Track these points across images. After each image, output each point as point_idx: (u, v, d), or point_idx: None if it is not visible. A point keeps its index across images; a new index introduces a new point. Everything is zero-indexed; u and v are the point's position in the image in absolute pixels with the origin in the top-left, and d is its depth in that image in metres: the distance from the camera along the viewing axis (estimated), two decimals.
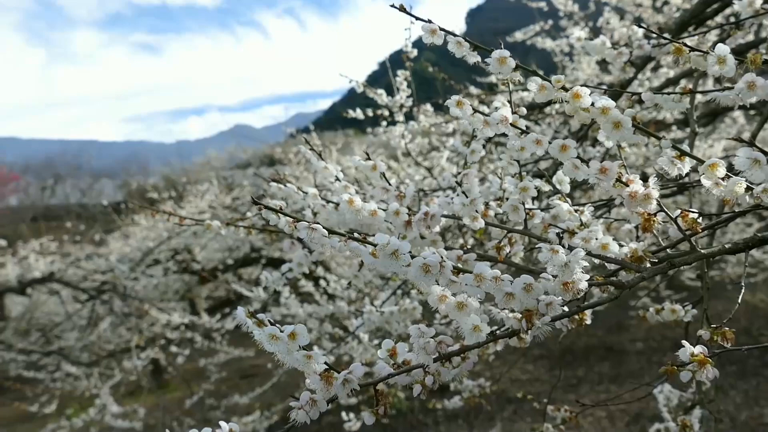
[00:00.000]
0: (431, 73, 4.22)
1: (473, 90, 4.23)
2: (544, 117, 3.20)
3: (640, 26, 0.99)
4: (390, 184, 1.28)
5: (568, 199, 1.26)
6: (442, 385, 1.00)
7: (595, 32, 4.48)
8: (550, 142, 1.02)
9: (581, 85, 1.03)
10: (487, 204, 1.38)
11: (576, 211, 1.23)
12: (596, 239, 1.05)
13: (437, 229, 1.24)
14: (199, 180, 14.68)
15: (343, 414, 4.35)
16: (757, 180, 0.82)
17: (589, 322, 1.18)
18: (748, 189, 0.90)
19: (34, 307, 8.73)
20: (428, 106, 3.50)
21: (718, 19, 2.30)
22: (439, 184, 2.25)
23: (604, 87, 2.46)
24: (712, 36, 2.47)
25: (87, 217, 18.94)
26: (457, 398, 2.76)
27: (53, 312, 8.75)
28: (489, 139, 2.27)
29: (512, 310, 0.96)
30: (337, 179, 1.44)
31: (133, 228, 10.33)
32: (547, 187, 1.29)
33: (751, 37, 2.70)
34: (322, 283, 4.89)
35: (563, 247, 0.89)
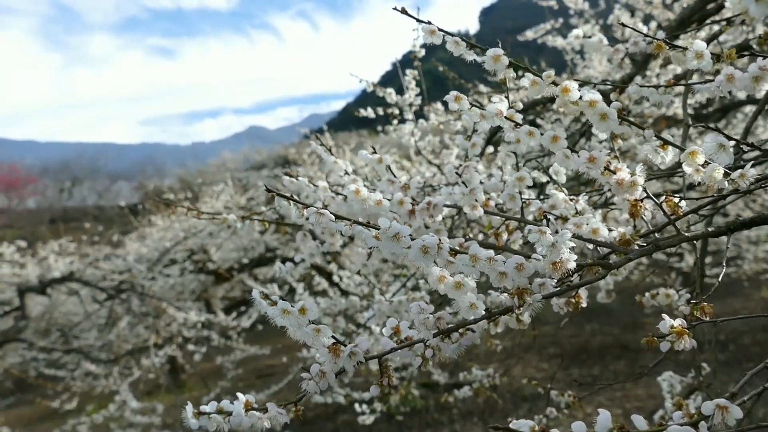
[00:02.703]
0: (444, 72, 4.31)
1: (483, 88, 4.31)
2: (552, 113, 3.28)
3: (623, 25, 1.07)
4: (395, 177, 1.37)
5: (564, 189, 1.33)
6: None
7: (606, 30, 4.53)
8: (542, 134, 1.09)
9: (575, 80, 1.11)
10: (489, 195, 1.47)
11: (571, 200, 1.31)
12: (587, 224, 1.13)
13: (440, 218, 1.32)
14: (214, 181, 14.88)
15: (356, 406, 4.44)
16: (722, 163, 0.89)
17: (584, 304, 1.25)
18: (727, 175, 0.97)
19: (53, 307, 8.93)
20: (438, 105, 3.58)
21: (727, 14, 2.36)
22: (447, 179, 2.33)
23: (608, 83, 2.53)
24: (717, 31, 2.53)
25: (104, 218, 19.26)
26: (467, 388, 2.84)
27: (72, 312, 8.95)
28: (494, 139, 2.35)
29: (506, 290, 1.04)
30: (346, 173, 1.53)
31: (149, 229, 10.51)
32: (544, 178, 1.37)
33: (761, 31, 2.74)
34: (336, 279, 4.99)
35: (551, 228, 0.96)
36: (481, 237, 2.39)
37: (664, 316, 0.93)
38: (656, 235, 1.16)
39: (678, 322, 0.93)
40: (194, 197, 12.30)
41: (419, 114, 3.61)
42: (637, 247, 1.12)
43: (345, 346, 0.98)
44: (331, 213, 1.03)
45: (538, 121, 4.36)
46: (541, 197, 1.53)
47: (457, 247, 1.10)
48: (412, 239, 0.97)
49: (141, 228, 11.36)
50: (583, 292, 1.25)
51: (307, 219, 1.08)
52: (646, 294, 1.44)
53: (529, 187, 1.95)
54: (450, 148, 4.03)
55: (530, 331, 2.92)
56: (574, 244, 0.97)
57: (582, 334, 8.27)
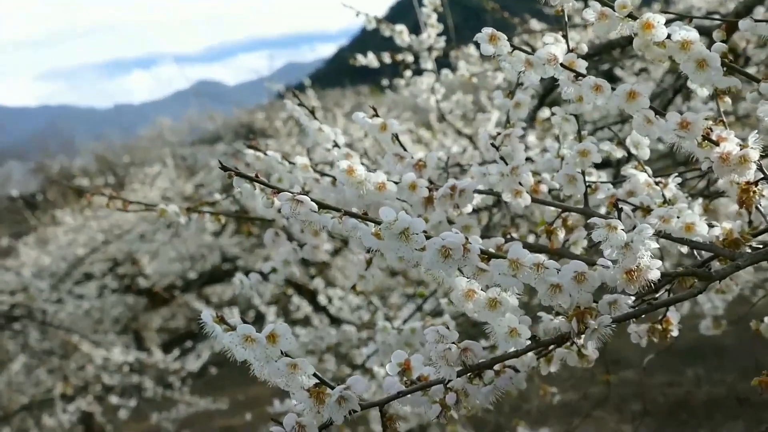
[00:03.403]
0: (480, 1, 4.32)
1: (535, 24, 4.32)
2: (636, 60, 3.28)
3: None
4: (406, 150, 1.40)
5: (647, 168, 1.36)
6: None
7: None
8: (613, 89, 1.12)
9: (665, 13, 1.14)
10: (540, 177, 1.49)
11: (657, 183, 1.33)
12: (678, 218, 1.15)
13: (469, 208, 1.35)
14: (146, 160, 14.95)
15: None
16: None
17: (675, 333, 1.28)
18: None
19: None
20: (471, 48, 3.60)
21: None
22: (482, 155, 2.37)
23: (716, 18, 2.55)
24: None
25: None
26: None
27: None
28: (549, 97, 2.37)
29: (561, 311, 1.07)
30: (336, 145, 1.56)
31: (54, 229, 10.58)
32: (619, 153, 1.40)
33: None
34: (323, 300, 5.03)
35: (624, 223, 0.99)
36: (532, 239, 2.43)
37: None
38: None
39: None
40: (118, 183, 12.38)
41: (443, 62, 3.62)
42: (749, 250, 1.14)
43: (332, 388, 1.01)
44: (313, 201, 1.06)
45: (617, 71, 4.38)
46: (616, 180, 1.56)
47: (493, 250, 1.13)
48: (428, 237, 1.00)
49: (42, 228, 11.43)
50: (674, 316, 1.28)
51: (280, 211, 1.11)
52: (765, 319, 1.47)
53: (598, 167, 1.98)
54: (488, 111, 4.05)
55: (603, 376, 2.95)
56: (658, 246, 1.00)
57: (681, 382, 8.27)
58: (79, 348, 7.48)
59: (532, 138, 2.63)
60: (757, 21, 1.17)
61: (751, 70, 3.40)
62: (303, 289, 6.59)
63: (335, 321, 4.97)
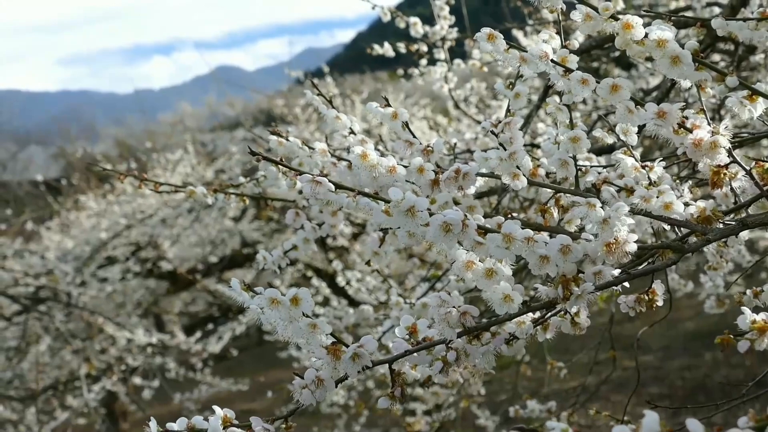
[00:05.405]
0: None
1: (548, 15, 4.42)
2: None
3: None
4: (415, 137, 1.55)
5: (635, 153, 1.50)
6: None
7: None
8: (598, 82, 1.26)
9: (637, 13, 1.28)
10: (539, 161, 1.64)
11: (644, 167, 1.47)
12: (657, 197, 1.30)
13: (472, 190, 1.50)
14: (167, 146, 15.14)
15: None
16: None
17: (660, 303, 1.43)
18: None
19: None
20: None
21: None
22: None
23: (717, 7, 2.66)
24: None
25: (11, 198, 19.63)
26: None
27: None
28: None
29: (548, 280, 1.22)
30: (352, 132, 1.71)
31: (77, 214, 10.75)
32: (610, 139, 1.54)
33: None
34: (341, 282, 5.19)
35: (611, 201, 1.14)
36: (541, 221, 2.57)
37: (744, 309, 1.10)
38: (748, 210, 1.32)
39: (762, 317, 1.10)
40: (140, 169, 12.56)
41: (458, 50, 3.73)
42: (721, 226, 1.29)
43: (347, 346, 1.16)
44: (331, 182, 1.21)
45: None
46: (608, 164, 1.71)
47: (495, 227, 1.27)
48: (431, 214, 1.15)
49: (65, 213, 11.61)
50: (658, 288, 1.43)
51: (301, 192, 1.26)
52: (747, 292, 1.60)
53: (599, 153, 2.12)
54: (501, 98, 4.17)
55: (611, 353, 3.06)
56: (632, 221, 1.14)
57: (699, 365, 8.35)
58: (104, 330, 7.65)
59: (541, 125, 2.76)
60: (728, 20, 1.30)
61: (758, 57, 3.50)
62: (323, 273, 6.76)
63: (353, 303, 5.13)
